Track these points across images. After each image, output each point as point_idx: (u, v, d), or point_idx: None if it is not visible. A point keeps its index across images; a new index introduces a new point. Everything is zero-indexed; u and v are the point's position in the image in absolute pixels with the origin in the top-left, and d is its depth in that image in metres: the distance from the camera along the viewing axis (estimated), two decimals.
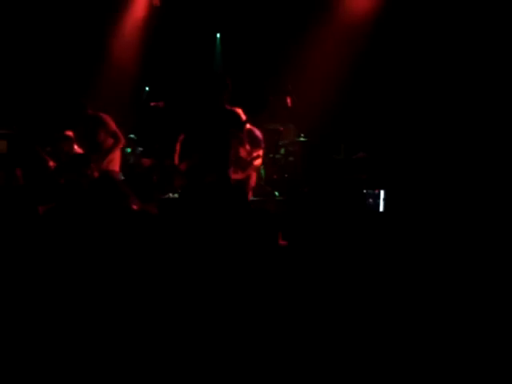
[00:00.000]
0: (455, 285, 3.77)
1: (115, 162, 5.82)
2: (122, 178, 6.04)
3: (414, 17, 6.66)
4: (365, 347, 2.82)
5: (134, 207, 5.39)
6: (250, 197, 5.53)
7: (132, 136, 7.59)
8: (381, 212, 5.32)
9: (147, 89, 9.32)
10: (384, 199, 5.32)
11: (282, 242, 4.68)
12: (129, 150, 7.43)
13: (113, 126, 5.74)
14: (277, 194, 6.31)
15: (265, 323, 3.12)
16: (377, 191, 5.36)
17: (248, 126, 5.39)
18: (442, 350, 2.80)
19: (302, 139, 6.73)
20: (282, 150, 6.84)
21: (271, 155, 6.59)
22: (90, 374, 2.55)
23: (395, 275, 4.03)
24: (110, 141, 5.73)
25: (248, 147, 5.41)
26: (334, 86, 7.29)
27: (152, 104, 6.85)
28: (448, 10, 6.31)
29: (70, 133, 6.05)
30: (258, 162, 5.62)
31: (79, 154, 5.77)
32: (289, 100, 6.47)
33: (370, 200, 5.36)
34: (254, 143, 5.56)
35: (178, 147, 5.37)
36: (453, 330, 3.06)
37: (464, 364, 2.61)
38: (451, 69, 6.20)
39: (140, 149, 7.68)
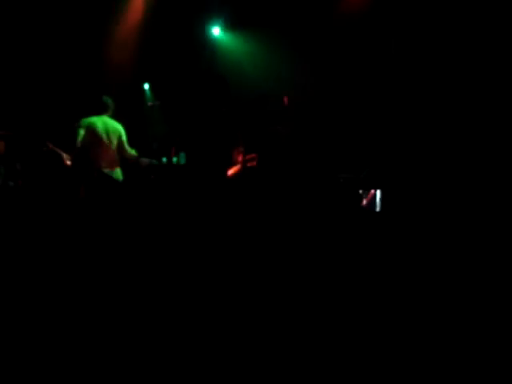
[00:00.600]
0: (452, 285, 3.80)
1: (101, 158, 5.84)
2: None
3: (411, 16, 6.67)
4: (360, 345, 2.85)
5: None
6: None
7: None
8: (377, 212, 5.34)
9: (146, 87, 9.34)
10: (380, 199, 5.34)
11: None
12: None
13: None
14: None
15: (262, 321, 3.16)
16: (373, 191, 5.37)
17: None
18: (439, 348, 2.82)
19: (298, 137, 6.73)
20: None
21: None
22: (89, 373, 2.58)
23: (391, 275, 4.06)
24: None
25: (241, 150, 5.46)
26: (330, 85, 7.32)
27: (149, 104, 6.86)
28: (446, 9, 6.32)
29: None
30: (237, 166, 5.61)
31: (78, 153, 5.83)
32: (285, 99, 6.47)
33: (366, 200, 5.38)
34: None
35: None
36: (449, 328, 3.09)
37: (464, 364, 2.64)
38: (445, 67, 6.21)
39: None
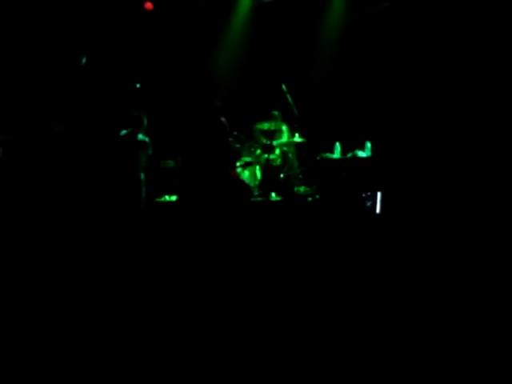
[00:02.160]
0: (452, 287, 3.86)
1: None
2: None
3: (409, 16, 6.70)
4: (359, 347, 2.89)
5: None
6: None
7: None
8: (377, 214, 5.38)
9: (138, 86, 9.27)
10: (381, 201, 5.38)
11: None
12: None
13: None
14: (273, 194, 6.37)
15: (263, 322, 3.20)
16: (374, 193, 5.40)
17: None
18: (438, 349, 2.88)
19: (296, 139, 6.76)
20: (278, 151, 6.87)
21: (266, 155, 6.61)
22: (89, 372, 2.58)
23: (391, 277, 4.11)
24: None
25: None
26: (332, 85, 7.35)
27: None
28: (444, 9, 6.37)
29: None
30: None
31: None
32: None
33: (368, 202, 5.41)
34: None
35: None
36: (448, 329, 3.15)
37: (463, 364, 2.68)
38: (447, 70, 6.25)
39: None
